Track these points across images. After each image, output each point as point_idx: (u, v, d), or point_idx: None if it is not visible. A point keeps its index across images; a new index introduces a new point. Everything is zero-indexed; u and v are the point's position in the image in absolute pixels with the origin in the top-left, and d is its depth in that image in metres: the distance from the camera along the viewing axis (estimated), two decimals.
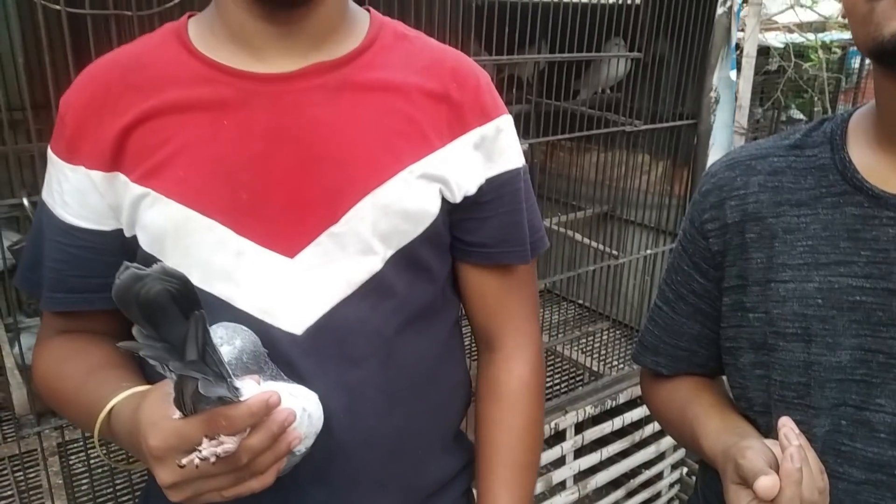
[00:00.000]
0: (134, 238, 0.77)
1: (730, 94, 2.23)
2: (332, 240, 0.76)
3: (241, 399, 0.59)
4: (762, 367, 0.77)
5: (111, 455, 0.80)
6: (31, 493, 1.47)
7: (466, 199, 0.82)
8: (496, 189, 0.84)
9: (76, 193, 0.77)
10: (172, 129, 0.75)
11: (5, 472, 1.78)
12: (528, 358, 0.92)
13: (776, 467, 0.65)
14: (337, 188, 0.76)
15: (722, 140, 2.26)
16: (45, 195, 0.81)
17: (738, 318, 0.80)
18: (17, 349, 1.44)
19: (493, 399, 0.92)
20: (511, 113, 0.88)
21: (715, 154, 2.24)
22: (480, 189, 0.83)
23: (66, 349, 0.83)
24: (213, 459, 0.59)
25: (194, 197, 0.74)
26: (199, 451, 0.59)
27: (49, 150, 0.80)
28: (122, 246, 0.79)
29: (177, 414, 0.60)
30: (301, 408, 0.67)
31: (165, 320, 0.52)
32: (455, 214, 0.84)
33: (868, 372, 0.70)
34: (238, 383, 0.61)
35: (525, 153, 0.90)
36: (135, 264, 0.54)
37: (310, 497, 0.79)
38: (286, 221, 0.75)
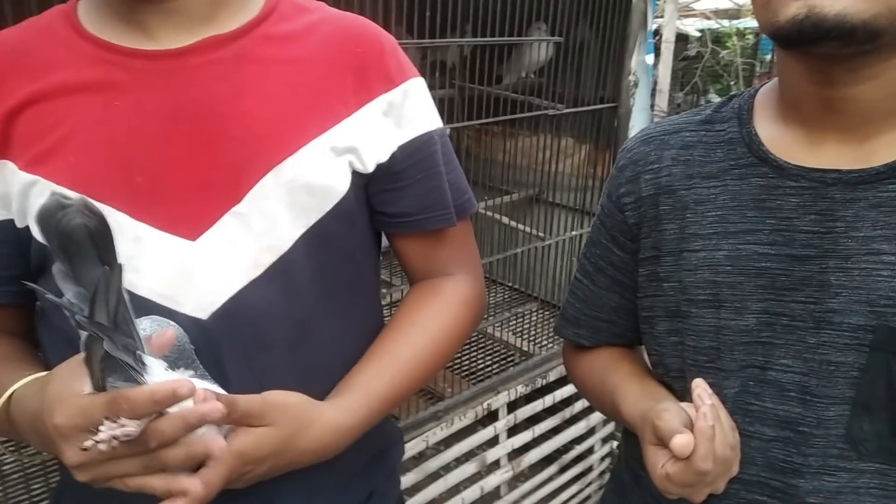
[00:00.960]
0: (27, 229, 0.73)
1: (647, 77, 2.30)
2: (236, 220, 0.73)
3: (148, 379, 0.58)
4: (676, 334, 0.81)
5: (4, 445, 0.76)
6: None
7: (380, 168, 0.81)
8: (409, 156, 0.83)
9: None
10: (61, 112, 0.71)
11: None
12: (470, 283, 0.91)
13: (691, 428, 0.68)
14: (238, 166, 0.73)
15: (641, 122, 2.33)
16: None
17: (653, 288, 0.83)
18: None
19: (418, 291, 0.90)
20: (435, 98, 0.88)
21: None
22: (393, 157, 0.81)
23: None
24: (113, 443, 0.57)
25: (86, 182, 0.71)
26: (98, 433, 0.57)
27: None
28: (15, 237, 0.75)
29: (87, 387, 0.58)
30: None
31: (81, 259, 0.50)
32: (371, 187, 0.83)
33: (772, 334, 0.74)
34: (148, 360, 0.59)
35: (451, 137, 0.90)
36: (59, 192, 0.51)
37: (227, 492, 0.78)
38: (187, 203, 0.72)
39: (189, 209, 0.73)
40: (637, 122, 2.28)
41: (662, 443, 0.69)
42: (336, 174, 0.78)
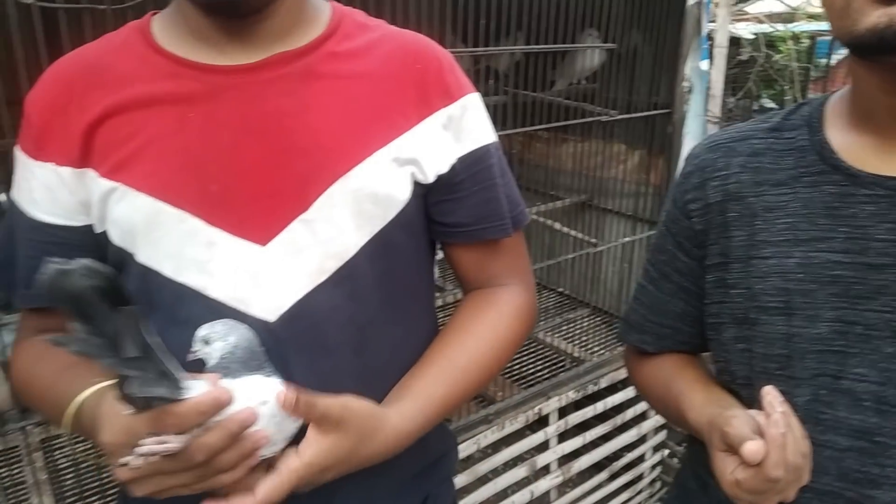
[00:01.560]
0: (105, 234, 0.77)
1: (701, 83, 2.28)
2: (304, 227, 0.76)
3: (188, 398, 0.59)
4: (744, 341, 0.81)
5: (89, 451, 0.80)
6: (16, 489, 1.46)
7: (440, 179, 0.83)
8: (468, 168, 0.85)
9: (45, 190, 0.78)
10: (139, 123, 0.75)
11: None
12: (523, 294, 0.93)
13: (760, 436, 0.68)
14: (306, 176, 0.76)
15: (695, 128, 2.31)
16: (15, 193, 0.81)
17: (720, 295, 0.83)
18: (0, 344, 1.43)
19: (473, 301, 0.92)
20: (488, 105, 0.90)
21: (689, 142, 2.29)
22: (453, 168, 0.84)
23: (40, 348, 0.82)
24: (151, 458, 0.59)
25: (163, 189, 0.74)
26: (138, 448, 0.58)
27: (17, 149, 0.80)
28: (94, 241, 0.79)
29: (128, 410, 0.59)
30: (271, 411, 0.66)
31: (98, 315, 0.52)
32: (430, 197, 0.85)
33: (846, 343, 0.73)
34: (187, 382, 0.60)
35: (502, 143, 0.92)
36: (59, 259, 0.53)
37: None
38: (257, 210, 0.75)
39: (259, 215, 0.76)
40: (691, 129, 2.26)
41: (731, 449, 0.69)
42: (399, 184, 0.81)
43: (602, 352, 2.31)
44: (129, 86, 0.76)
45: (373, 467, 0.77)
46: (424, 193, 0.84)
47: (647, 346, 0.95)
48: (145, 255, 0.76)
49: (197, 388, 0.61)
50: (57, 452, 1.69)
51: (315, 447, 0.69)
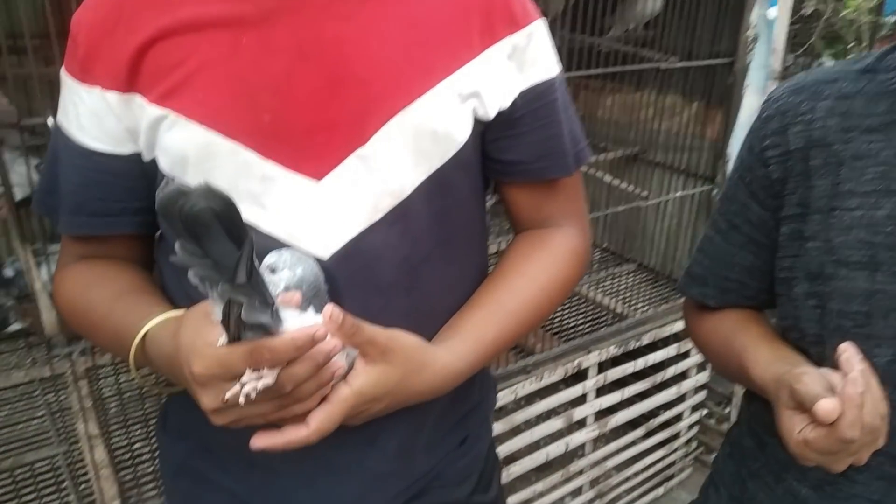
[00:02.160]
0: (153, 162, 0.75)
1: (768, 33, 2.16)
2: (360, 162, 0.73)
3: (283, 330, 0.58)
4: (817, 297, 0.76)
5: (145, 378, 0.80)
6: (63, 414, 1.50)
7: (500, 114, 0.79)
8: (530, 102, 0.81)
9: (92, 116, 0.75)
10: (190, 47, 0.72)
11: (37, 394, 1.82)
12: (577, 237, 0.90)
13: (833, 395, 0.64)
14: (364, 108, 0.73)
15: (757, 81, 2.20)
16: (61, 118, 0.79)
17: (795, 248, 0.78)
18: (45, 274, 1.45)
19: (525, 241, 0.89)
20: None
21: (750, 95, 2.18)
22: (514, 103, 0.79)
23: (90, 275, 0.82)
24: (253, 395, 0.59)
25: (215, 118, 0.72)
26: (242, 386, 0.58)
27: (63, 72, 0.77)
28: (141, 170, 0.77)
29: (222, 338, 0.59)
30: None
31: (209, 239, 0.51)
32: (489, 133, 0.81)
33: None
34: (283, 312, 0.60)
35: None
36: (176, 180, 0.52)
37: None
38: (312, 143, 0.73)
39: (314, 148, 0.73)
40: (754, 80, 2.15)
41: (801, 407, 0.66)
42: (460, 121, 0.77)
43: (646, 308, 2.26)
44: (181, 7, 0.72)
45: (415, 408, 0.76)
46: (483, 129, 0.80)
47: (709, 300, 0.90)
48: None
49: (290, 320, 0.60)
50: (102, 381, 1.72)
51: (364, 376, 0.67)
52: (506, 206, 0.91)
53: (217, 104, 0.72)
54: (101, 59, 0.73)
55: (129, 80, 0.73)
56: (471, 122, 0.78)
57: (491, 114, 0.78)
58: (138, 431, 1.61)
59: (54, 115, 0.81)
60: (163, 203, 0.50)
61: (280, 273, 0.66)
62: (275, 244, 0.72)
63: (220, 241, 0.51)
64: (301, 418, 0.65)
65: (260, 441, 0.65)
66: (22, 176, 1.46)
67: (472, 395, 0.94)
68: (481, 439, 0.99)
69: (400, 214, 0.75)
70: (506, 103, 0.79)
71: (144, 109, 0.73)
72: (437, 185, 0.77)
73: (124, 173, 0.77)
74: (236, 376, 0.59)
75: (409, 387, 0.71)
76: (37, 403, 1.79)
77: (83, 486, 1.47)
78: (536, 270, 0.85)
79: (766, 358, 0.77)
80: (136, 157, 0.77)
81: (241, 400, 0.59)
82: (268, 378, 0.59)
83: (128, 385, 1.61)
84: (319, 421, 0.65)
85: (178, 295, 0.79)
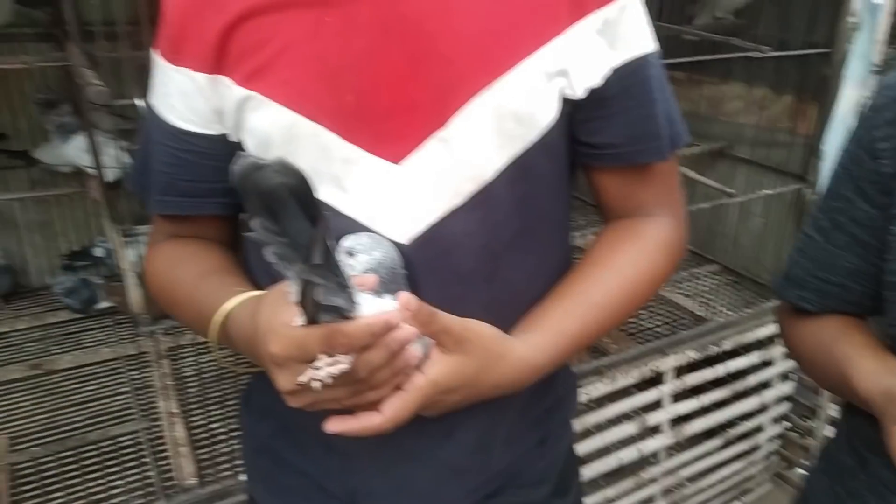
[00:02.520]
0: (240, 143, 0.76)
1: (873, 21, 2.01)
2: (441, 145, 0.71)
3: (359, 314, 0.57)
4: None
5: (226, 358, 0.81)
6: (146, 391, 1.56)
7: (590, 93, 0.75)
8: (623, 80, 0.76)
9: (181, 96, 0.76)
10: (274, 27, 0.71)
11: (121, 370, 1.91)
12: (672, 228, 0.84)
13: None
14: (446, 87, 0.70)
15: (857, 73, 2.05)
16: (152, 98, 0.80)
17: None
18: (133, 254, 1.50)
19: (614, 231, 0.84)
20: None
21: (849, 88, 2.04)
22: (606, 81, 0.75)
23: (177, 254, 0.83)
24: (328, 381, 0.58)
25: (299, 100, 0.71)
26: (316, 370, 0.58)
27: (154, 53, 0.78)
28: (229, 151, 0.76)
29: (298, 320, 0.58)
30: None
31: (285, 215, 0.50)
32: (577, 114, 0.77)
33: None
34: (359, 297, 0.58)
35: None
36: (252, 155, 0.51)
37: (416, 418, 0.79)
38: (392, 125, 0.71)
39: (394, 130, 0.71)
40: (854, 72, 2.01)
41: None
42: (546, 101, 0.74)
43: (728, 312, 2.16)
44: None
45: (494, 402, 0.73)
46: (571, 110, 0.77)
47: (808, 305, 0.84)
48: None
49: (366, 305, 0.58)
50: (183, 361, 1.79)
51: (439, 365, 0.65)
52: (594, 194, 0.87)
53: (300, 85, 0.71)
54: (189, 39, 0.74)
55: (216, 61, 0.73)
56: (557, 103, 0.74)
57: (580, 93, 0.75)
58: (216, 412, 1.66)
59: (143, 98, 0.83)
60: (237, 176, 0.49)
61: (358, 257, 0.65)
62: (355, 227, 0.72)
63: (296, 219, 0.50)
64: (376, 405, 0.64)
65: (334, 425, 0.64)
66: (113, 159, 1.52)
67: (553, 391, 0.91)
68: (562, 440, 0.95)
69: (481, 200, 0.73)
70: (596, 81, 0.75)
71: (231, 90, 0.73)
72: (521, 170, 0.74)
73: (212, 154, 0.78)
74: (312, 359, 0.59)
75: (485, 379, 0.69)
76: (121, 379, 1.88)
77: (162, 462, 1.52)
78: (625, 262, 0.81)
79: (872, 369, 0.71)
80: (224, 137, 0.77)
81: (316, 385, 0.58)
82: (342, 364, 0.58)
83: (208, 366, 1.66)
84: (394, 409, 0.64)
85: (262, 276, 0.79)
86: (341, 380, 0.59)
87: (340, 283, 0.55)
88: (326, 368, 0.57)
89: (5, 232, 2.29)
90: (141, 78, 0.88)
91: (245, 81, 0.72)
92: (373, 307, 0.59)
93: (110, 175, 1.52)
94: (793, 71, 2.06)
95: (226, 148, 0.77)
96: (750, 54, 1.87)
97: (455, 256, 0.74)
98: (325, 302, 0.55)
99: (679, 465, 2.19)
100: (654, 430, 2.09)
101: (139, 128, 0.85)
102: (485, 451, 0.84)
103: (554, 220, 0.83)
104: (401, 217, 0.73)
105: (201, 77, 0.74)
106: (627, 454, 2.03)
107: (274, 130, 0.72)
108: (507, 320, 0.75)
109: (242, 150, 0.76)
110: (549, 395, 0.90)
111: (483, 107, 0.71)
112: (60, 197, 2.29)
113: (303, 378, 0.59)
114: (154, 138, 0.81)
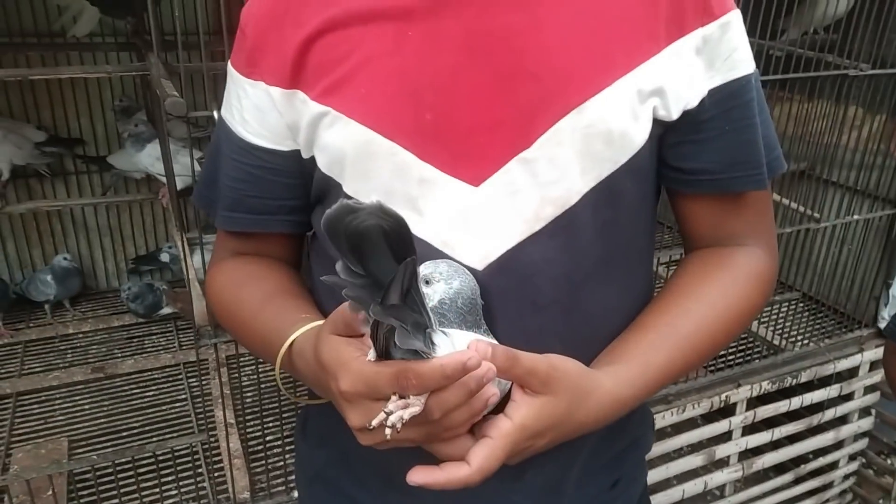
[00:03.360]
0: (312, 160, 0.72)
1: None
2: (523, 167, 0.66)
3: (435, 355, 0.53)
4: None
5: (288, 389, 0.77)
6: (203, 398, 1.55)
7: (685, 115, 0.70)
8: (721, 103, 0.71)
9: (255, 111, 0.73)
10: (355, 40, 0.68)
11: (180, 376, 1.91)
12: (764, 258, 0.78)
13: None
14: (533, 106, 0.66)
15: None
16: (225, 111, 0.78)
17: None
18: (198, 262, 1.50)
19: (702, 259, 0.78)
20: None
21: None
22: (702, 103, 0.70)
23: (242, 273, 0.80)
24: (399, 426, 0.54)
25: (376, 117, 0.67)
26: (386, 415, 0.54)
27: (229, 65, 0.76)
28: (300, 168, 0.74)
29: (371, 354, 0.55)
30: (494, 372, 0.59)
31: (372, 257, 0.48)
32: (669, 137, 0.72)
33: None
34: (437, 337, 0.54)
35: None
36: (353, 199, 0.49)
37: None
38: (473, 145, 0.67)
39: (475, 151, 0.67)
40: None
41: None
42: (638, 122, 0.68)
43: (806, 342, 2.04)
44: None
45: (567, 443, 0.67)
46: (662, 133, 0.71)
47: None
48: (353, 187, 0.70)
49: (443, 346, 0.55)
50: (244, 369, 1.78)
51: (525, 408, 0.60)
52: (680, 221, 0.81)
53: (379, 101, 0.68)
54: (267, 52, 0.72)
55: (293, 76, 0.70)
56: (650, 124, 0.69)
57: (674, 115, 0.70)
58: (272, 424, 1.64)
59: (218, 109, 0.81)
60: (329, 219, 0.47)
61: (435, 285, 0.61)
62: (428, 252, 0.68)
63: (384, 260, 0.48)
64: (452, 447, 0.60)
65: (418, 476, 0.59)
66: (185, 167, 1.53)
67: (629, 430, 0.85)
68: (635, 482, 0.90)
69: (563, 225, 0.68)
70: (692, 103, 0.70)
71: (306, 105, 0.70)
72: (606, 194, 0.69)
73: (283, 170, 0.75)
74: (383, 397, 0.55)
75: (574, 418, 0.63)
76: (180, 386, 1.88)
77: (217, 473, 1.51)
78: (715, 294, 0.74)
79: None
80: (296, 154, 0.74)
81: (387, 432, 0.54)
82: (415, 407, 0.54)
83: (266, 376, 1.65)
84: (482, 458, 0.58)
85: (327, 298, 0.77)
86: (414, 420, 0.55)
87: (418, 322, 0.52)
88: (398, 413, 0.54)
89: (77, 235, 2.35)
90: (217, 89, 0.86)
91: (321, 97, 0.69)
92: (449, 344, 0.56)
93: (180, 183, 1.53)
94: (889, 89, 1.92)
95: (297, 164, 0.74)
96: (847, 72, 1.76)
97: (533, 285, 0.69)
98: (402, 346, 0.51)
99: (747, 499, 2.09)
100: (721, 463, 1.99)
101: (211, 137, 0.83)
102: (556, 494, 0.79)
103: (637, 249, 0.77)
104: (477, 242, 0.68)
105: (277, 92, 0.71)
106: (692, 487, 1.94)
107: (348, 147, 0.69)
108: (585, 354, 0.70)
109: (314, 166, 0.73)
110: (626, 435, 0.85)
111: (572, 127, 0.66)
112: (131, 202, 2.34)
113: (374, 422, 0.55)
114: (224, 152, 0.78)
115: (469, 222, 0.68)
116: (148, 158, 2.00)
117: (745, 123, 0.72)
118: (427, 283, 0.61)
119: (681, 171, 0.74)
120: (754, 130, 0.73)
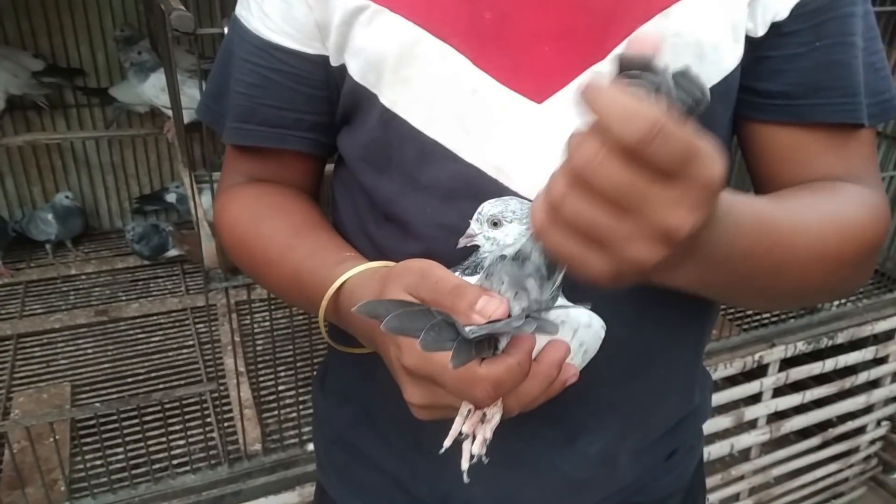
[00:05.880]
0: (342, 68, 0.62)
1: None
2: None
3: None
4: None
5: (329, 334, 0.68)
6: (213, 346, 1.46)
7: (772, 28, 0.60)
8: (811, 14, 0.60)
9: (280, 2, 0.63)
10: None
11: (187, 322, 1.83)
12: (877, 196, 0.62)
13: None
14: (610, 10, 0.56)
15: None
16: (240, 8, 0.67)
17: None
18: (207, 202, 1.40)
19: (801, 187, 0.63)
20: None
21: None
22: (792, 13, 0.60)
23: (260, 204, 0.70)
24: (485, 450, 0.51)
25: (426, 12, 0.57)
26: (461, 434, 0.50)
27: None
28: (325, 77, 0.64)
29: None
30: (578, 342, 0.51)
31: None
32: (749, 53, 0.61)
33: None
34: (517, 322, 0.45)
35: None
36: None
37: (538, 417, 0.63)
38: (537, 53, 0.57)
39: (539, 61, 0.57)
40: None
41: None
42: (731, 34, 0.59)
43: (844, 302, 1.95)
44: None
45: (622, 409, 0.63)
46: (746, 48, 0.61)
47: None
48: (391, 97, 0.60)
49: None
50: (253, 316, 1.69)
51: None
52: (752, 161, 0.67)
53: None
54: None
55: None
56: (743, 38, 0.60)
57: (761, 29, 0.60)
58: (285, 374, 1.57)
59: (229, 25, 0.70)
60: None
61: (507, 227, 0.50)
62: (479, 180, 0.58)
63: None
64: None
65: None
66: (192, 99, 1.41)
67: (691, 398, 0.78)
68: (691, 453, 0.82)
69: None
70: (781, 13, 0.59)
71: None
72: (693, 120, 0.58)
73: (305, 78, 0.65)
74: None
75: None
76: (187, 332, 1.80)
77: (227, 423, 1.44)
78: (825, 205, 0.59)
79: None
80: (323, 60, 0.64)
81: (464, 466, 0.51)
82: (495, 418, 0.49)
83: (279, 323, 1.56)
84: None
85: (354, 232, 0.68)
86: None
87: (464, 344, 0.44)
88: (479, 436, 0.50)
89: (78, 172, 2.24)
90: (226, 6, 0.74)
91: None
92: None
93: (187, 116, 1.41)
94: None
95: (322, 72, 0.64)
96: None
97: None
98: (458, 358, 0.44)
99: (772, 462, 2.03)
100: (749, 425, 1.92)
101: None
102: (610, 464, 0.71)
103: None
104: (537, 170, 0.57)
105: None
106: (718, 449, 1.87)
107: (389, 49, 0.58)
108: (654, 310, 0.63)
109: (343, 76, 0.62)
110: (687, 402, 0.77)
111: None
112: (135, 137, 2.22)
113: (448, 442, 0.51)
114: (237, 55, 0.67)
115: (528, 146, 0.58)
116: (152, 89, 1.88)
117: (839, 41, 0.61)
118: (495, 224, 0.51)
119: (756, 92, 0.63)
120: (852, 51, 0.61)
